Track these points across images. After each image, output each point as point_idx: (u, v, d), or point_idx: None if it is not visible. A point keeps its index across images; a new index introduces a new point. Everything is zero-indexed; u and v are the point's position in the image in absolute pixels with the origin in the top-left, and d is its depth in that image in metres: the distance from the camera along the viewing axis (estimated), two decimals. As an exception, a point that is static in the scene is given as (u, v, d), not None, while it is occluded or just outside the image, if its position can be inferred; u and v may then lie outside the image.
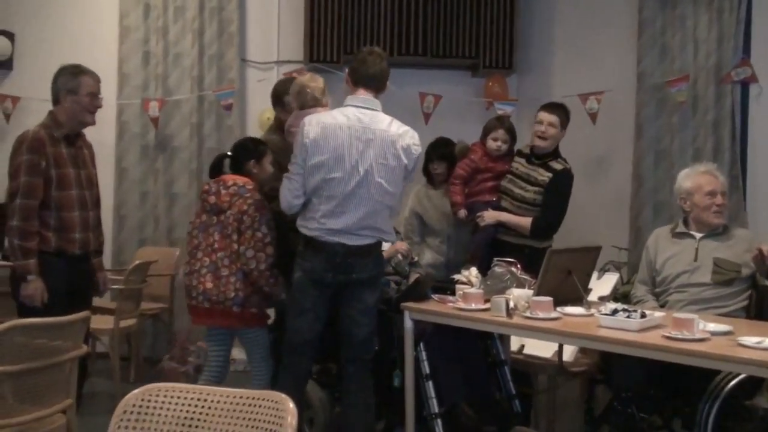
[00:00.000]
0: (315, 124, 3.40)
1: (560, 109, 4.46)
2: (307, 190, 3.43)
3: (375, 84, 3.50)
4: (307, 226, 3.47)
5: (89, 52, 5.72)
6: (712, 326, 3.01)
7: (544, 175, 4.37)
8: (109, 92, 5.87)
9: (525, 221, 4.37)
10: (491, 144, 4.54)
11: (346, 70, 3.61)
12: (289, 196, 3.48)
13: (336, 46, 5.75)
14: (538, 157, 4.44)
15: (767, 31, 5.12)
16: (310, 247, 3.47)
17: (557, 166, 4.39)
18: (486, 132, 4.61)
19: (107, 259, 5.78)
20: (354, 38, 5.78)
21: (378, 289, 3.60)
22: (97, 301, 5.19)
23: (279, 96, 4.08)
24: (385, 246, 3.90)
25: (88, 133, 5.52)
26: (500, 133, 4.54)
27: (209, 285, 3.64)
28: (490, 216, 4.41)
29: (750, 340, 2.80)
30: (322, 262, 3.44)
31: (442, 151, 4.71)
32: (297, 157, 3.44)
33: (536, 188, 4.37)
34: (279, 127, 4.06)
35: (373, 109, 3.47)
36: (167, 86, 5.94)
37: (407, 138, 3.48)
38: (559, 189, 4.37)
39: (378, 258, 3.60)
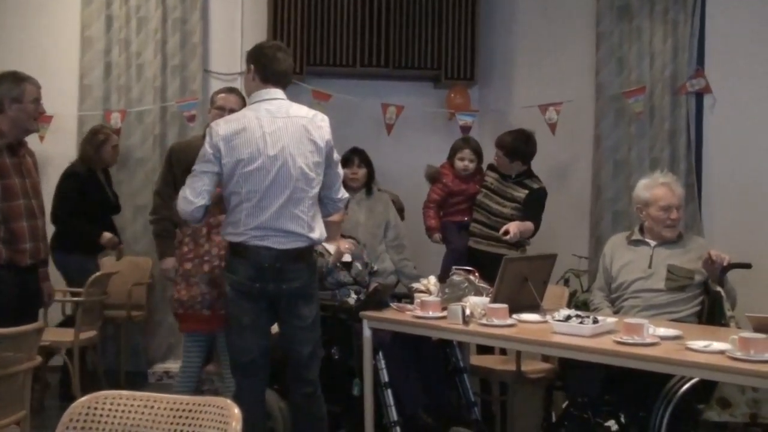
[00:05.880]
0: (223, 123, 3.35)
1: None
2: (227, 193, 3.32)
3: (284, 81, 3.42)
4: (234, 231, 3.31)
5: (50, 63, 5.70)
6: (662, 331, 3.07)
7: (520, 192, 4.63)
8: (70, 104, 5.88)
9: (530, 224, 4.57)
10: (458, 164, 4.67)
11: (251, 67, 3.39)
12: (191, 195, 3.27)
13: (299, 58, 5.74)
14: (513, 177, 4.68)
15: (720, 43, 5.25)
16: (235, 256, 3.33)
17: (533, 184, 4.67)
18: (453, 152, 4.69)
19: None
20: (317, 50, 5.79)
21: (314, 300, 3.42)
22: (55, 314, 5.20)
23: None
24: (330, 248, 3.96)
25: (50, 144, 5.61)
26: (466, 152, 4.66)
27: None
28: (514, 234, 4.39)
29: (698, 344, 2.87)
30: (248, 270, 3.27)
31: (363, 156, 4.62)
32: (205, 156, 3.29)
33: (513, 204, 4.63)
34: None
35: (281, 99, 3.38)
36: (129, 97, 5.90)
37: (318, 119, 3.37)
38: (540, 202, 4.66)
39: (312, 266, 3.43)
